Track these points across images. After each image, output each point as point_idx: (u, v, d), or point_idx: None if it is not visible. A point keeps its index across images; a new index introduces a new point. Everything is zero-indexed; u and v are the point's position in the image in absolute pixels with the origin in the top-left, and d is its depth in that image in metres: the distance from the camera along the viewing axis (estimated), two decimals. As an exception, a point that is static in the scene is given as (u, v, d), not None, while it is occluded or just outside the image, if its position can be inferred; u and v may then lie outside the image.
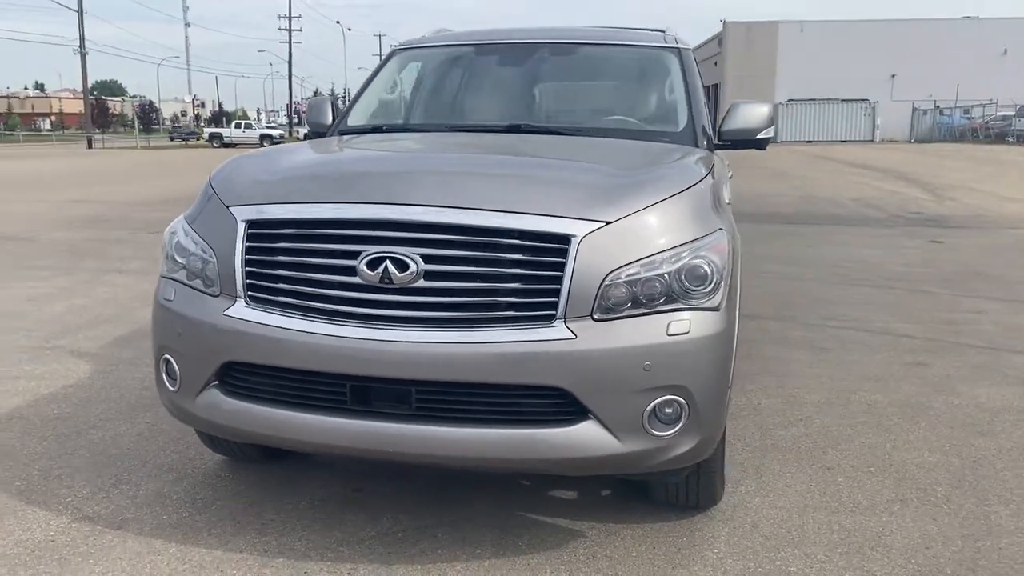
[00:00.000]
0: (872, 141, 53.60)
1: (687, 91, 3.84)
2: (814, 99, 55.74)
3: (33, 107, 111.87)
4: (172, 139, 67.59)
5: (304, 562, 2.74)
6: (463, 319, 2.52)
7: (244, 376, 2.71)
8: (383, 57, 4.39)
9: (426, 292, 2.52)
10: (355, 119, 4.06)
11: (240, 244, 2.71)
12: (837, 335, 5.84)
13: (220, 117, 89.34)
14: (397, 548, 2.84)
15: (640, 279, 2.54)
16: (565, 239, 2.51)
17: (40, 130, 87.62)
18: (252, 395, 2.70)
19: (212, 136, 55.33)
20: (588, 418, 2.51)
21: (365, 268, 2.52)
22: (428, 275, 2.51)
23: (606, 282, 2.51)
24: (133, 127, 61.35)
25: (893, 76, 55.35)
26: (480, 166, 3.02)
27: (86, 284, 7.39)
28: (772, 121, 3.85)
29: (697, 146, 3.60)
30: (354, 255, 2.55)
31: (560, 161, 3.16)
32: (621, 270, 2.53)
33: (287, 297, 2.64)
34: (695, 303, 2.60)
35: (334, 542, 2.87)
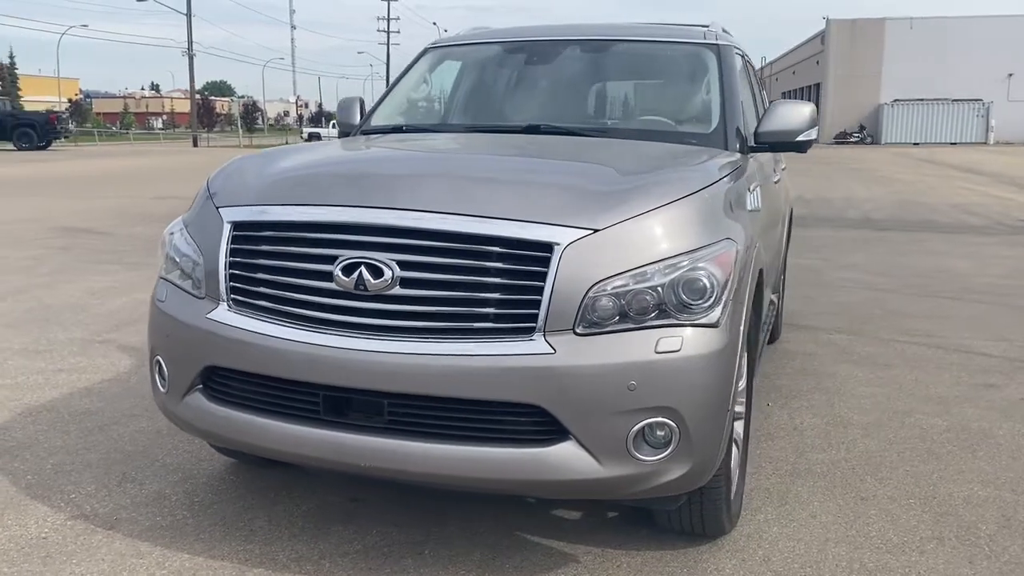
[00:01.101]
0: (985, 144, 50.89)
1: (722, 90, 3.61)
2: (922, 99, 53.33)
3: (147, 107, 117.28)
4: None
5: (282, 573, 2.67)
6: (439, 329, 2.39)
7: (226, 381, 2.65)
8: (416, 56, 4.31)
9: (402, 300, 2.40)
10: (379, 119, 3.97)
11: (224, 246, 2.66)
12: (906, 351, 5.47)
13: (320, 117, 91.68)
14: (379, 564, 2.73)
15: (629, 291, 2.36)
16: (547, 247, 2.36)
17: (153, 129, 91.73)
18: (233, 401, 2.64)
19: (311, 135, 56.81)
20: (568, 439, 2.35)
21: (340, 274, 2.43)
22: (404, 282, 2.40)
23: (590, 294, 2.34)
24: (238, 126, 63.62)
25: (1010, 75, 52.50)
26: (470, 169, 2.88)
27: (149, 279, 7.54)
28: (814, 122, 3.58)
29: (727, 148, 3.38)
30: (331, 260, 2.46)
31: (561, 164, 3.00)
32: (607, 281, 2.35)
33: (267, 302, 2.57)
34: (691, 319, 2.40)
35: (317, 554, 2.78)
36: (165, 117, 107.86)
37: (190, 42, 48.89)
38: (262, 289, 2.58)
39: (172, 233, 2.93)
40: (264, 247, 2.60)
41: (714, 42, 3.83)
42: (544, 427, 2.35)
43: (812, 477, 3.47)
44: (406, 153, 3.27)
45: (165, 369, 2.80)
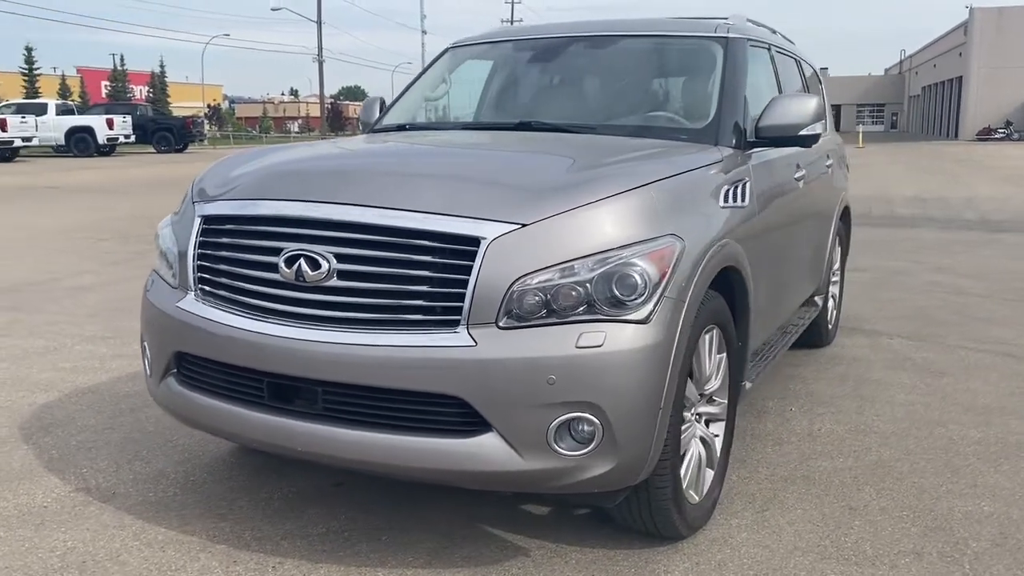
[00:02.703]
0: None
1: (722, 84, 3.52)
2: (1078, 92, 49.54)
3: (285, 111, 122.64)
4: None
5: (241, 551, 2.80)
6: (372, 320, 2.46)
7: (192, 367, 2.81)
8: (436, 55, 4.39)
9: (337, 292, 2.48)
10: (390, 118, 4.08)
11: (194, 239, 2.81)
12: (969, 358, 5.15)
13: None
14: (335, 547, 2.82)
15: (554, 286, 2.36)
16: (474, 241, 2.39)
17: (289, 132, 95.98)
18: (199, 386, 2.79)
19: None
20: (490, 431, 2.37)
21: (284, 265, 2.53)
22: (341, 274, 2.48)
23: (514, 288, 2.35)
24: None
25: None
26: (414, 166, 2.93)
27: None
28: (819, 116, 3.44)
29: (719, 144, 3.29)
30: (276, 252, 2.57)
31: (506, 161, 3.01)
32: (531, 276, 2.36)
33: (226, 291, 2.71)
34: (620, 314, 2.38)
35: (280, 535, 2.90)
36: (301, 121, 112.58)
37: (320, 48, 50.96)
38: (222, 280, 2.72)
39: (163, 228, 3.11)
40: (224, 240, 2.74)
41: (723, 35, 3.73)
42: (467, 419, 2.38)
43: (806, 484, 3.34)
44: (365, 150, 3.35)
45: (148, 354, 3.00)
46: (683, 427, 2.76)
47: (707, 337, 2.86)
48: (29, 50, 68.54)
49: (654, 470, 2.56)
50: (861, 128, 49.84)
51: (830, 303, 5.45)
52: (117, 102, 48.59)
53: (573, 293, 2.37)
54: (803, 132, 3.42)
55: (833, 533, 2.94)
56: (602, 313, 2.38)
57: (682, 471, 2.78)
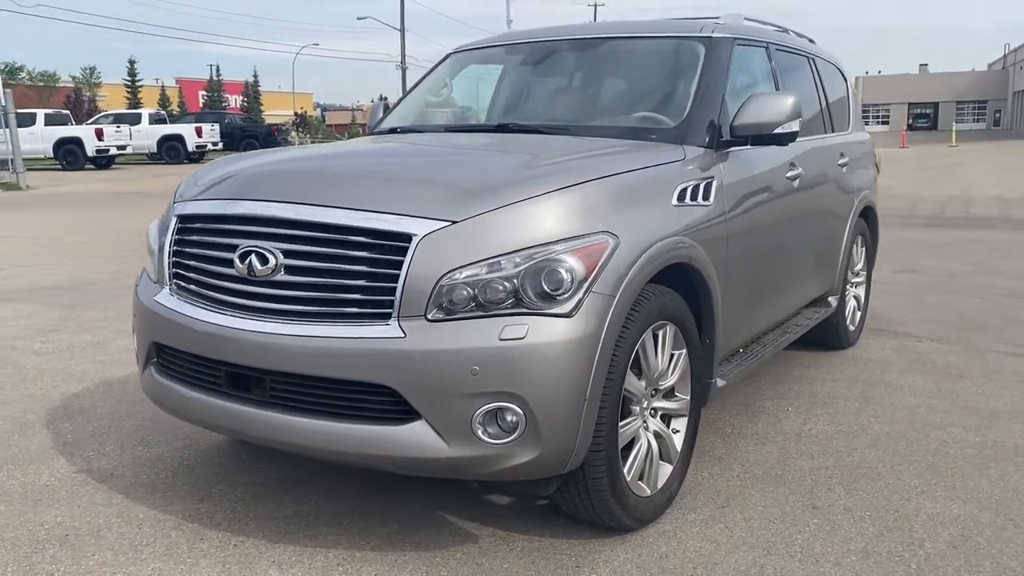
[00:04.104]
0: None
1: (699, 84, 3.54)
2: None
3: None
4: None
5: (210, 530, 2.97)
6: (314, 313, 2.60)
7: (168, 357, 3.01)
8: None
9: (284, 286, 2.63)
10: (388, 121, 4.23)
11: (170, 236, 3.01)
12: (993, 363, 5.00)
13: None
14: (296, 529, 2.97)
15: (480, 280, 2.46)
16: (406, 238, 2.50)
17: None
18: (173, 375, 2.98)
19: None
20: (419, 419, 2.48)
21: (238, 261, 2.70)
22: (288, 269, 2.63)
23: (442, 282, 2.46)
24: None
25: None
26: (367, 166, 3.06)
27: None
28: (795, 115, 3.42)
29: (687, 143, 3.32)
30: (233, 248, 2.74)
31: (460, 161, 3.11)
32: (459, 271, 2.46)
33: (195, 286, 2.90)
34: (545, 308, 2.46)
35: (251, 517, 3.07)
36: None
37: (403, 56, 51.91)
38: (192, 275, 2.91)
39: (151, 227, 3.33)
40: (194, 237, 2.93)
41: (707, 35, 3.75)
42: (397, 407, 2.50)
43: (776, 483, 3.33)
44: (328, 152, 3.49)
45: (136, 345, 3.22)
46: (627, 420, 2.81)
47: (660, 333, 2.91)
48: (132, 63, 71.87)
49: (588, 460, 2.63)
50: (955, 126, 47.85)
51: (851, 304, 5.35)
52: (207, 111, 50.52)
53: (499, 287, 2.46)
54: (779, 130, 3.42)
55: (787, 530, 2.94)
56: (528, 307, 2.46)
57: (627, 463, 2.83)
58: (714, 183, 3.27)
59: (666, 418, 3.09)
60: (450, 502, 3.16)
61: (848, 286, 5.29)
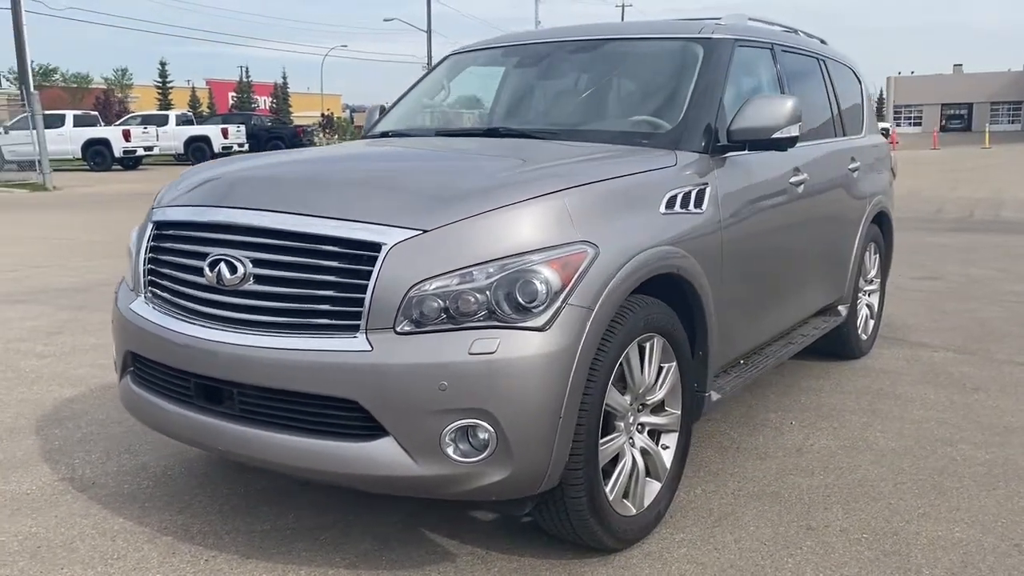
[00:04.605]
0: None
1: (696, 87, 3.42)
2: None
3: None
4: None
5: (184, 543, 2.91)
6: (283, 324, 2.52)
7: (143, 367, 2.95)
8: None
9: (252, 295, 2.56)
10: (381, 124, 4.16)
11: (146, 243, 2.95)
12: (1011, 375, 4.83)
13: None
14: (272, 545, 2.90)
15: (452, 292, 2.37)
16: (375, 247, 2.42)
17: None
18: (148, 385, 2.92)
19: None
20: (387, 436, 2.39)
21: (207, 269, 2.63)
22: (257, 279, 2.55)
23: (411, 294, 2.37)
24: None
25: None
26: (341, 172, 2.97)
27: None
28: (795, 119, 3.29)
29: (681, 148, 3.20)
30: (203, 256, 2.67)
31: (435, 167, 3.02)
32: (429, 282, 2.37)
33: (168, 294, 2.83)
34: (518, 321, 2.36)
35: (227, 530, 3.00)
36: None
37: (429, 57, 51.99)
38: (165, 283, 2.84)
39: (132, 232, 3.27)
40: (168, 244, 2.87)
41: (706, 36, 3.63)
42: (365, 423, 2.41)
43: (772, 501, 3.21)
44: (309, 157, 3.41)
45: (114, 353, 3.16)
46: (610, 436, 2.71)
47: (647, 346, 2.80)
48: (163, 64, 72.66)
49: (566, 479, 2.53)
50: (989, 128, 46.98)
51: (863, 313, 5.20)
52: (234, 112, 50.96)
53: (471, 299, 2.37)
54: (778, 135, 3.29)
55: (778, 553, 2.82)
56: (501, 320, 2.37)
57: (611, 482, 2.73)
58: (708, 190, 3.15)
59: (655, 434, 2.98)
60: (432, 516, 3.07)
61: (860, 294, 5.13)
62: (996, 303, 6.81)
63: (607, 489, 2.70)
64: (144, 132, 29.70)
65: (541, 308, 2.37)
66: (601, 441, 2.64)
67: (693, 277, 2.96)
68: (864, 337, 5.22)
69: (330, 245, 2.47)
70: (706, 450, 3.71)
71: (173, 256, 2.83)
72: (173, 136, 31.18)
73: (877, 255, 5.37)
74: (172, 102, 67.51)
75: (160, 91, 71.58)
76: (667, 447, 3.02)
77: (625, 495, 2.81)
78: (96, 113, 34.62)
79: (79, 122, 29.61)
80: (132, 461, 3.63)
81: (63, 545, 2.91)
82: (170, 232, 2.87)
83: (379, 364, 2.36)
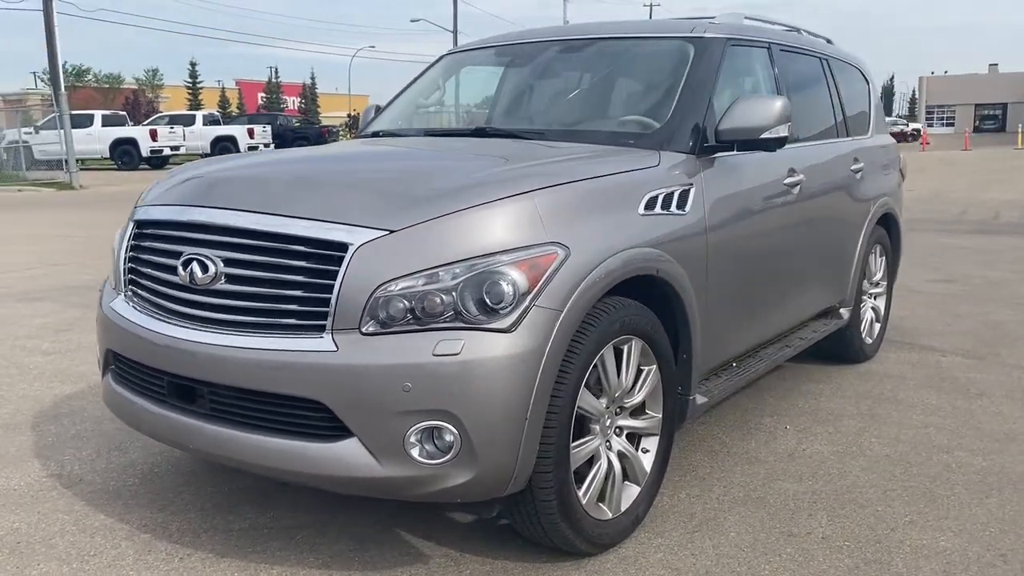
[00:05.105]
0: None
1: (684, 86, 3.38)
2: None
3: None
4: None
5: (161, 541, 2.91)
6: (253, 324, 2.52)
7: (121, 365, 2.96)
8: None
9: (223, 295, 2.56)
10: (375, 124, 4.16)
11: (127, 242, 2.97)
12: (1018, 380, 4.72)
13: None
14: (248, 543, 2.90)
15: (417, 292, 2.35)
16: (342, 247, 2.41)
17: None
18: (126, 383, 2.94)
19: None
20: (352, 436, 2.38)
21: (181, 268, 2.64)
22: (228, 278, 2.56)
23: (376, 294, 2.36)
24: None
25: None
26: (314, 172, 2.95)
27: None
28: (784, 119, 3.24)
29: (666, 149, 3.16)
30: (177, 255, 2.68)
31: (408, 168, 3.01)
32: (395, 282, 2.36)
33: (146, 292, 2.84)
34: (484, 323, 2.34)
35: (205, 528, 3.01)
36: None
37: (455, 57, 52.16)
38: (144, 282, 2.86)
39: (117, 231, 3.30)
40: (147, 243, 2.88)
41: (697, 35, 3.58)
42: (331, 423, 2.40)
43: (756, 506, 3.16)
44: (290, 157, 3.41)
45: (97, 351, 3.18)
46: (584, 439, 2.68)
47: (624, 348, 2.77)
48: (193, 65, 73.57)
49: (536, 482, 2.50)
50: (1022, 128, 46.11)
51: (868, 316, 5.12)
52: (260, 113, 51.43)
53: (437, 300, 2.35)
54: (766, 135, 3.24)
55: (755, 560, 2.78)
56: (467, 321, 2.35)
57: (584, 485, 2.70)
58: (692, 191, 3.11)
59: (634, 437, 2.95)
60: (410, 517, 3.06)
61: (865, 297, 5.05)
62: (1012, 306, 6.68)
63: (580, 492, 2.67)
64: (171, 132, 30.07)
65: (507, 309, 2.35)
66: (573, 444, 2.61)
67: (674, 279, 2.92)
68: (869, 341, 5.13)
69: (299, 245, 2.47)
70: (696, 454, 3.66)
71: (151, 255, 2.84)
72: (200, 136, 31.52)
73: (883, 258, 5.28)
74: (202, 102, 68.19)
75: (190, 91, 72.34)
76: (647, 451, 2.98)
77: (601, 499, 2.78)
78: (124, 113, 35.08)
79: (107, 122, 30.05)
80: (121, 458, 3.66)
81: (42, 541, 2.93)
82: (149, 231, 2.88)
83: (344, 364, 2.35)
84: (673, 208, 3.00)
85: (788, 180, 3.83)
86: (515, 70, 4.04)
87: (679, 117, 3.29)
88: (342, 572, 2.72)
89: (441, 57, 4.43)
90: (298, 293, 2.46)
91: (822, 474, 3.46)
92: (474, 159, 3.04)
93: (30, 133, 26.27)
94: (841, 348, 4.93)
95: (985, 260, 8.95)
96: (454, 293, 2.35)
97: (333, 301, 2.38)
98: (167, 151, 29.98)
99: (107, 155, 29.55)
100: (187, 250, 2.64)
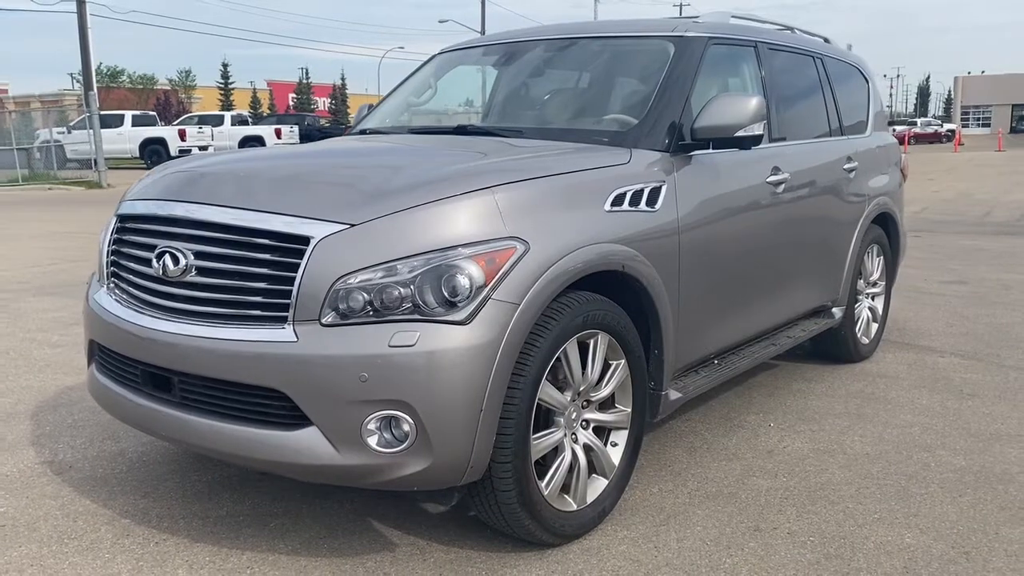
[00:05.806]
0: None
1: (661, 85, 3.41)
2: None
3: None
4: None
5: (139, 527, 3.00)
6: (221, 315, 2.59)
7: (104, 356, 3.05)
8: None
9: (193, 287, 2.64)
10: (366, 123, 4.23)
11: (109, 236, 3.06)
12: (1017, 382, 4.70)
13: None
14: (223, 530, 2.98)
15: (375, 285, 2.41)
16: (304, 240, 2.48)
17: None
18: (108, 373, 3.03)
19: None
20: (311, 425, 2.45)
21: (155, 260, 2.72)
22: (199, 271, 2.64)
23: (336, 286, 2.42)
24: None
25: None
26: (283, 168, 3.02)
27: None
28: (758, 117, 3.26)
29: (640, 147, 3.20)
30: (152, 248, 2.76)
31: (374, 164, 3.07)
32: (354, 275, 2.42)
33: (125, 284, 2.93)
34: (440, 315, 2.40)
35: (184, 515, 3.09)
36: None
37: (482, 57, 52.40)
38: (124, 274, 2.95)
39: (103, 226, 3.39)
40: (127, 237, 2.97)
41: (679, 34, 3.61)
42: (291, 412, 2.47)
43: (726, 502, 3.18)
44: (268, 154, 3.49)
45: (84, 342, 3.28)
46: (546, 432, 2.72)
47: (590, 343, 2.81)
48: (225, 66, 74.39)
49: (495, 472, 2.55)
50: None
51: (863, 316, 5.10)
52: (289, 113, 51.97)
53: (395, 293, 2.41)
54: (740, 133, 3.27)
55: (717, 553, 2.80)
56: (424, 314, 2.40)
57: (547, 476, 2.74)
58: (664, 188, 3.14)
59: (603, 431, 2.98)
60: (383, 506, 3.12)
61: (860, 297, 5.04)
62: (1021, 310, 6.60)
63: (542, 483, 2.71)
64: (199, 132, 30.49)
65: (464, 302, 2.40)
66: (535, 435, 2.66)
67: (642, 275, 2.95)
68: (865, 341, 5.12)
69: (263, 238, 2.54)
70: (675, 449, 3.69)
71: (131, 248, 2.92)
72: (228, 136, 31.89)
73: (880, 257, 5.25)
74: (234, 103, 68.90)
75: (222, 92, 73.15)
76: (616, 444, 3.02)
77: (566, 490, 2.83)
78: (154, 113, 35.63)
79: (137, 122, 30.54)
80: (113, 447, 3.76)
81: (27, 524, 3.03)
82: (130, 225, 2.97)
83: (303, 355, 2.42)
84: (642, 205, 3.03)
85: (772, 179, 3.84)
86: (501, 69, 4.10)
87: (655, 115, 3.32)
88: (310, 559, 2.79)
89: (433, 56, 4.49)
90: (262, 285, 2.53)
91: (798, 471, 3.47)
92: (443, 156, 3.10)
93: (63, 133, 26.78)
94: (835, 348, 4.92)
95: (1002, 263, 8.84)
96: (412, 286, 2.41)
97: (294, 293, 2.45)
98: (195, 150, 30.40)
99: (137, 155, 30.03)
100: (161, 243, 2.72)
